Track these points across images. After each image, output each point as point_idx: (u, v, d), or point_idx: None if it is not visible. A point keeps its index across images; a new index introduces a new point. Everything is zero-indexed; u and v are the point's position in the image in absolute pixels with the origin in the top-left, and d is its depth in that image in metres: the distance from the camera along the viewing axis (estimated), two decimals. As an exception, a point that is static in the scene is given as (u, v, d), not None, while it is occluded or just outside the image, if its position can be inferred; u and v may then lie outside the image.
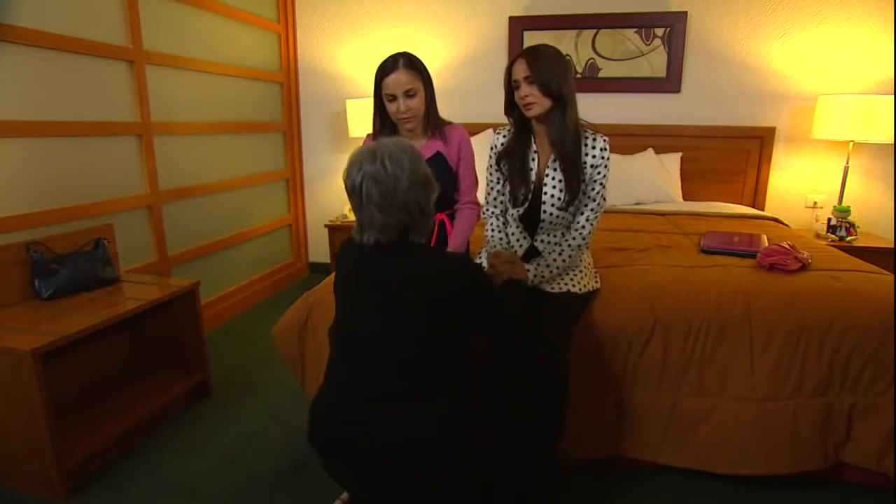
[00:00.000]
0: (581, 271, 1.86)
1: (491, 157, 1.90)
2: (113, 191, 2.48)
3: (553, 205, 1.79)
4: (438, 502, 1.29)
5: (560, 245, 1.84)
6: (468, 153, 2.01)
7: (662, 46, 3.42)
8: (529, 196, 1.82)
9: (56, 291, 2.02)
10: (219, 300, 3.21)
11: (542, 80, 1.67)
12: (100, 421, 2.00)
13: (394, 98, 1.85)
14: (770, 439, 1.72)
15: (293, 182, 4.02)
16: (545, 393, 1.55)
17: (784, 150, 3.43)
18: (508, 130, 1.88)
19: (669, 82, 3.47)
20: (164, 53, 2.71)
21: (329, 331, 1.42)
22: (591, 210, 1.81)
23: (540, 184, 1.81)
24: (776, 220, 3.06)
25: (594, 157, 1.76)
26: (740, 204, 3.42)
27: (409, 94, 1.84)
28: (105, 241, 2.23)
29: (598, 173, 1.77)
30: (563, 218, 1.81)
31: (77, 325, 1.79)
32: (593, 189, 1.79)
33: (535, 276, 1.76)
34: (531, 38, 3.56)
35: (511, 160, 1.84)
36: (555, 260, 1.79)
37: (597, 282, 1.90)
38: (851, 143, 3.12)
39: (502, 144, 1.88)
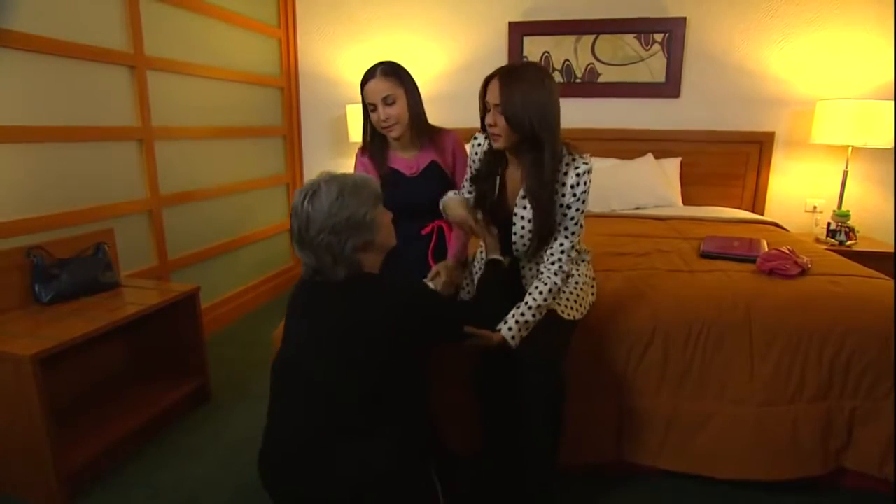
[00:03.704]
0: (572, 293, 1.68)
1: (470, 165, 1.78)
2: (114, 195, 2.48)
3: (523, 244, 1.64)
4: None
5: (534, 283, 1.60)
6: (463, 158, 1.97)
7: (662, 52, 3.43)
8: (497, 227, 1.69)
9: (56, 296, 2.02)
10: (219, 304, 3.21)
11: (511, 115, 1.46)
12: (99, 426, 1.99)
13: (374, 107, 1.83)
14: (770, 444, 1.71)
15: (293, 187, 4.03)
16: (542, 405, 1.53)
17: (783, 155, 3.44)
18: (481, 145, 1.71)
19: (669, 87, 3.47)
20: (166, 59, 2.72)
21: (272, 365, 1.36)
22: (567, 239, 1.59)
23: (509, 216, 1.64)
24: (776, 224, 3.06)
25: (563, 195, 1.55)
26: (740, 208, 3.43)
27: (387, 102, 1.81)
28: (105, 246, 2.23)
29: (576, 199, 1.55)
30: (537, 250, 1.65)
31: (77, 331, 1.79)
32: (572, 219, 1.57)
33: (514, 335, 1.51)
34: (531, 44, 3.57)
35: (479, 186, 1.69)
36: (529, 307, 1.54)
37: (583, 311, 1.69)
38: (850, 148, 3.13)
39: (474, 162, 1.73)
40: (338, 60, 3.86)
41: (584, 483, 1.84)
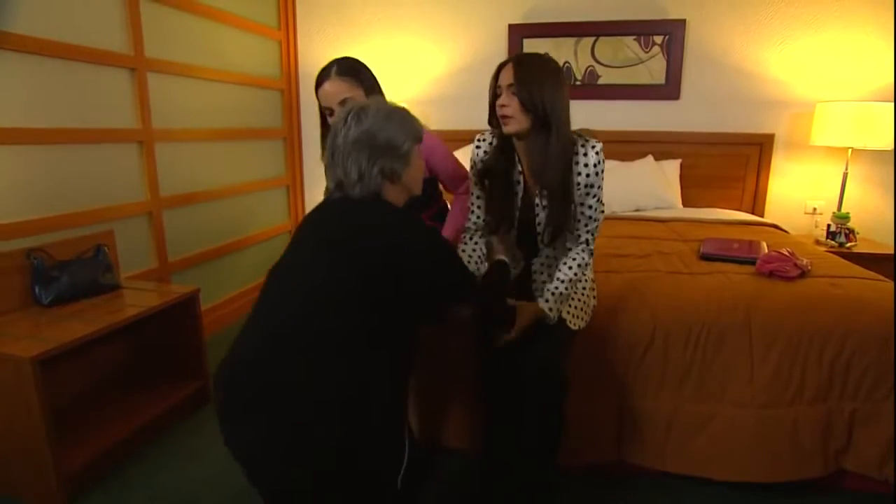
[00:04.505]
0: (579, 300, 1.70)
1: (472, 171, 1.73)
2: (114, 197, 2.48)
3: (548, 234, 1.63)
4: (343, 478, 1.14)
5: (563, 260, 1.65)
6: (439, 155, 1.86)
7: (661, 54, 3.44)
8: (516, 223, 1.67)
9: (56, 298, 2.02)
10: (219, 306, 3.21)
11: (526, 96, 1.48)
12: (99, 428, 2.00)
13: (332, 112, 1.67)
14: (770, 446, 1.72)
15: (293, 189, 4.03)
16: (544, 405, 1.53)
17: (783, 157, 3.44)
18: (490, 143, 1.69)
19: (669, 89, 3.48)
20: (166, 61, 2.73)
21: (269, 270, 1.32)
22: (592, 220, 1.64)
23: (531, 206, 1.65)
24: (775, 226, 3.06)
25: (587, 175, 1.58)
26: (740, 210, 3.43)
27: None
28: (105, 248, 2.23)
29: (592, 185, 1.60)
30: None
31: (77, 332, 1.79)
32: (590, 206, 1.62)
33: (551, 307, 1.56)
34: (531, 46, 3.57)
35: (494, 179, 1.66)
36: (567, 285, 1.59)
37: (588, 318, 1.71)
38: (850, 150, 3.13)
39: (482, 161, 1.69)
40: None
41: (585, 484, 1.84)
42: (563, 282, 1.60)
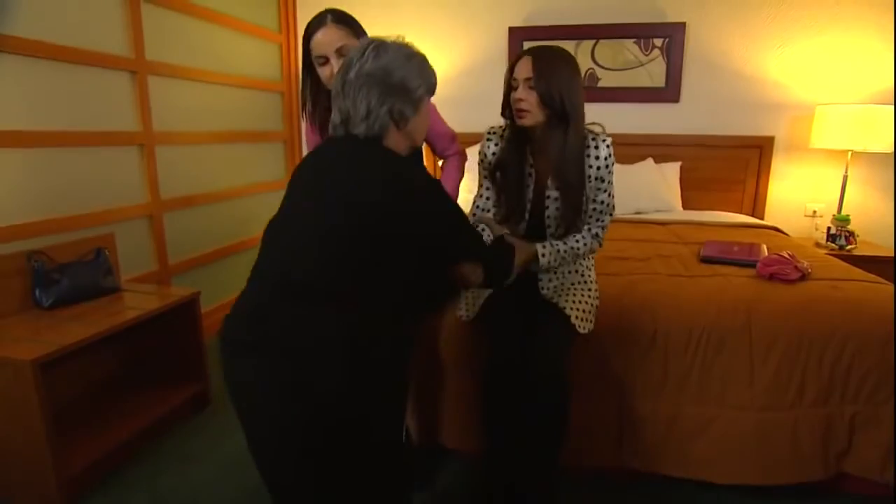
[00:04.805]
0: (588, 300, 1.71)
1: (481, 165, 1.75)
2: (114, 200, 2.48)
3: (556, 226, 1.68)
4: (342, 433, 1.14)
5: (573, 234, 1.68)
6: (435, 117, 1.83)
7: (661, 57, 3.44)
8: (527, 216, 1.69)
9: (57, 301, 2.02)
10: (219, 308, 3.20)
11: (544, 90, 1.50)
12: (99, 430, 1.99)
13: (325, 60, 1.59)
14: (771, 450, 1.71)
15: (294, 191, 4.03)
16: (547, 397, 1.54)
17: (783, 159, 3.44)
18: (501, 135, 1.70)
19: (668, 92, 3.48)
20: (167, 63, 2.73)
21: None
22: (603, 213, 1.69)
23: (541, 200, 1.68)
24: (776, 228, 3.06)
25: (598, 168, 1.62)
26: (740, 213, 3.43)
27: (342, 54, 1.56)
28: (106, 251, 2.23)
29: (603, 179, 1.64)
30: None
31: (77, 335, 1.79)
32: (601, 201, 1.67)
33: (544, 255, 1.60)
34: (531, 49, 3.58)
35: (505, 172, 1.68)
36: (566, 251, 1.64)
37: (593, 321, 1.71)
38: (850, 153, 3.14)
39: (494, 154, 1.70)
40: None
41: (585, 486, 1.84)
42: (566, 244, 1.65)
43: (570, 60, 1.56)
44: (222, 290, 3.27)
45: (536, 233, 1.72)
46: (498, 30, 3.64)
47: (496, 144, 1.71)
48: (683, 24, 3.38)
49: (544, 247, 1.62)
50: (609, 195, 1.68)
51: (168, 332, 2.33)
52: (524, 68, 1.53)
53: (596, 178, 1.64)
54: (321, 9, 1.71)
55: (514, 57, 1.58)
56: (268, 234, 1.26)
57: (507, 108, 1.61)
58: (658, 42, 3.44)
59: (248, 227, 3.52)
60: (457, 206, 1.33)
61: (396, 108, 1.24)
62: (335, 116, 1.28)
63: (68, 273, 2.07)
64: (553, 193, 1.65)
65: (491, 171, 1.72)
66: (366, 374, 1.14)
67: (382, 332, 1.18)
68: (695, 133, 3.50)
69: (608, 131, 1.71)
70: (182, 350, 2.35)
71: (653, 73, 3.48)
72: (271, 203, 3.76)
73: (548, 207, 1.67)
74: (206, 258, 3.11)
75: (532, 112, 1.53)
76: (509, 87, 1.59)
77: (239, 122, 3.39)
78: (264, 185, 3.69)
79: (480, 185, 1.79)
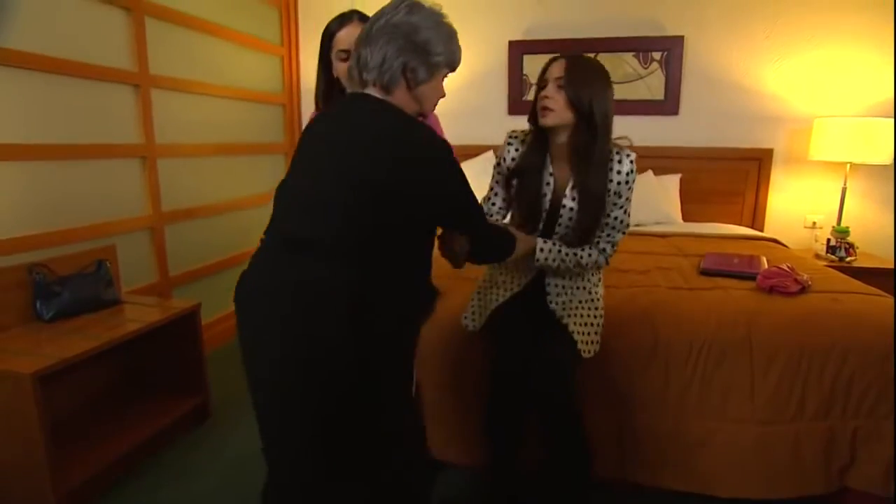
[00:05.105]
0: (595, 321, 1.68)
1: (497, 168, 1.73)
2: (116, 212, 2.49)
3: (566, 235, 1.64)
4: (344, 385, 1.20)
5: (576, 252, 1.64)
6: (432, 122, 1.89)
7: (660, 70, 3.47)
8: (540, 227, 1.66)
9: (57, 313, 2.02)
10: (220, 320, 3.20)
11: (573, 91, 1.49)
12: (98, 443, 1.99)
13: (347, 55, 1.62)
14: (772, 463, 1.71)
15: (294, 203, 4.04)
16: (562, 429, 1.58)
17: (782, 172, 3.46)
18: (522, 140, 1.68)
19: (668, 105, 3.50)
20: (170, 77, 2.75)
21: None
22: (615, 230, 1.66)
23: (556, 210, 1.64)
24: (776, 240, 3.07)
25: (618, 182, 1.58)
26: (740, 225, 3.43)
27: None
28: (107, 263, 2.23)
29: (620, 195, 1.60)
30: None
31: (78, 348, 1.79)
32: (615, 217, 1.64)
33: (542, 250, 1.57)
34: (530, 62, 3.61)
35: (523, 177, 1.65)
36: (567, 254, 1.60)
37: (597, 347, 1.67)
38: (848, 165, 3.15)
39: (514, 159, 1.67)
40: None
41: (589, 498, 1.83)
42: (570, 250, 1.61)
43: (603, 72, 1.55)
44: (223, 302, 3.27)
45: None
46: (498, 43, 3.67)
47: (516, 150, 1.69)
48: (682, 38, 3.40)
49: (545, 242, 1.59)
50: (624, 212, 1.65)
51: (168, 344, 2.33)
52: (557, 69, 1.53)
53: (614, 193, 1.60)
54: (323, 22, 1.74)
55: (551, 58, 1.58)
56: (278, 193, 1.30)
57: (534, 114, 1.60)
58: (657, 55, 3.46)
59: (248, 239, 3.52)
60: (463, 175, 1.31)
61: (411, 66, 1.24)
62: (352, 60, 1.30)
63: (69, 285, 2.07)
64: (569, 203, 1.62)
65: (508, 176, 1.69)
66: (368, 326, 1.18)
67: (387, 287, 1.21)
68: (694, 145, 3.51)
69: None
70: (182, 362, 2.34)
71: (652, 86, 3.50)
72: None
73: (561, 216, 1.63)
74: (207, 270, 3.11)
75: (556, 112, 1.52)
76: (540, 88, 1.57)
77: (240, 134, 3.41)
78: (265, 196, 3.69)
79: (491, 189, 1.77)
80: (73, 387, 2.15)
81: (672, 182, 3.46)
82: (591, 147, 1.54)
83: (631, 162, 1.59)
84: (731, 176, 3.49)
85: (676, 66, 3.44)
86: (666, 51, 3.44)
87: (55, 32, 2.17)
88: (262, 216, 3.60)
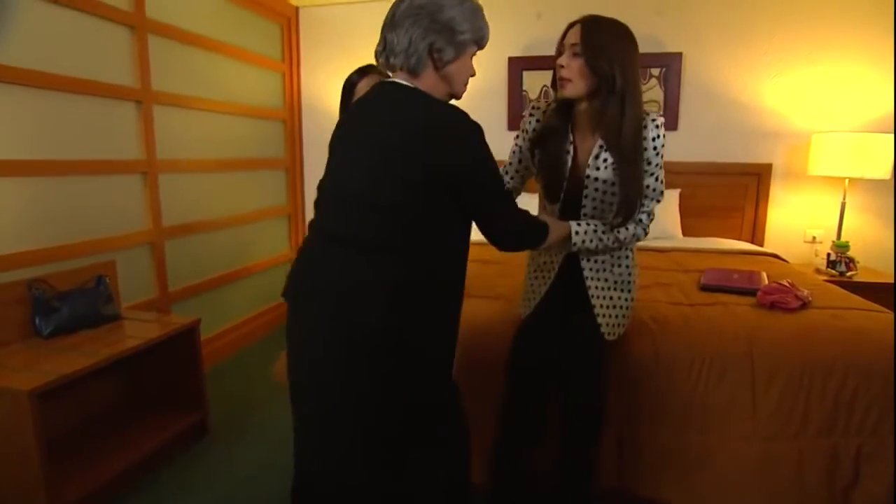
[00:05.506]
0: (625, 306, 1.68)
1: (517, 141, 1.68)
2: (116, 228, 2.50)
3: (594, 209, 1.59)
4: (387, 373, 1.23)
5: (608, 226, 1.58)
6: None
7: (659, 85, 3.49)
8: (562, 195, 1.61)
9: (56, 329, 2.02)
10: (219, 336, 3.20)
11: (591, 56, 1.41)
12: (95, 460, 1.97)
13: None
14: (774, 481, 1.69)
15: (295, 218, 4.06)
16: (587, 376, 1.57)
17: (781, 187, 3.46)
18: (544, 111, 1.63)
19: (666, 120, 3.51)
20: (172, 93, 2.77)
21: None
22: (649, 199, 1.61)
23: (579, 182, 1.59)
24: (775, 255, 3.06)
25: (646, 148, 1.52)
26: (739, 240, 3.44)
27: None
28: (106, 279, 2.23)
29: (650, 162, 1.54)
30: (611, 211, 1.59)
31: (76, 365, 1.79)
32: (647, 185, 1.57)
33: (577, 233, 1.52)
34: (530, 78, 3.63)
35: (545, 145, 1.60)
36: (605, 232, 1.55)
37: (622, 330, 1.70)
38: (847, 180, 3.16)
39: (534, 130, 1.63)
40: (340, 94, 3.91)
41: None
42: (607, 228, 1.56)
43: (625, 31, 1.47)
44: (223, 318, 3.27)
45: (571, 216, 1.65)
46: (498, 59, 3.69)
47: (538, 120, 1.64)
48: (680, 55, 3.43)
49: (579, 224, 1.54)
50: (656, 179, 1.58)
51: (167, 360, 2.32)
52: (573, 35, 1.46)
53: (644, 160, 1.55)
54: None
55: (568, 25, 1.51)
56: (319, 193, 1.36)
57: (555, 82, 1.53)
58: (655, 71, 3.49)
59: (249, 255, 3.53)
60: (492, 157, 1.30)
61: (437, 46, 1.24)
62: (379, 46, 1.31)
63: (68, 301, 2.07)
64: (594, 173, 1.56)
65: (531, 147, 1.65)
66: (405, 313, 1.22)
67: (423, 277, 1.24)
68: (693, 160, 3.52)
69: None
70: (181, 378, 2.33)
71: (651, 101, 3.52)
72: (273, 230, 3.81)
73: (587, 188, 1.58)
74: (207, 285, 3.11)
75: (574, 82, 1.46)
76: (559, 54, 1.51)
77: (241, 149, 3.42)
78: (266, 212, 3.71)
79: (510, 163, 1.73)
80: (72, 403, 2.14)
81: (671, 197, 3.46)
82: (617, 115, 1.47)
83: (657, 127, 1.53)
84: (730, 191, 3.50)
85: (675, 82, 3.46)
86: (664, 67, 3.46)
87: (59, 50, 2.19)
88: (263, 231, 3.65)
